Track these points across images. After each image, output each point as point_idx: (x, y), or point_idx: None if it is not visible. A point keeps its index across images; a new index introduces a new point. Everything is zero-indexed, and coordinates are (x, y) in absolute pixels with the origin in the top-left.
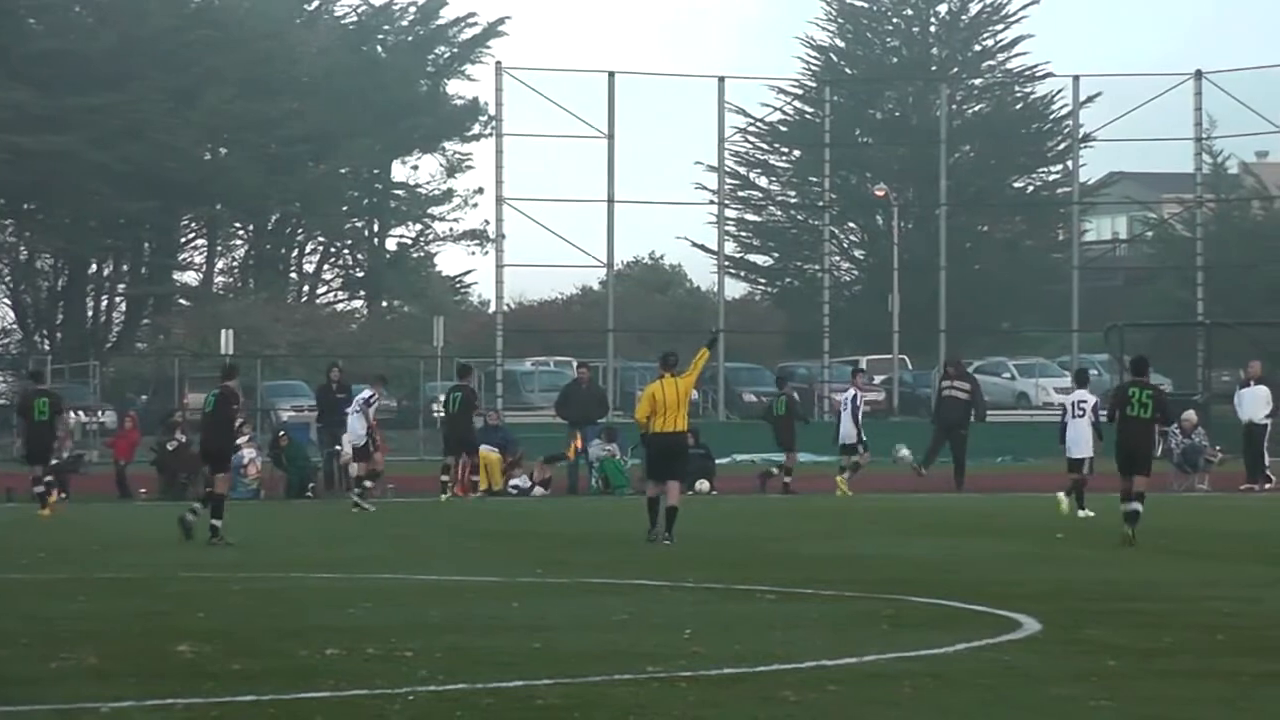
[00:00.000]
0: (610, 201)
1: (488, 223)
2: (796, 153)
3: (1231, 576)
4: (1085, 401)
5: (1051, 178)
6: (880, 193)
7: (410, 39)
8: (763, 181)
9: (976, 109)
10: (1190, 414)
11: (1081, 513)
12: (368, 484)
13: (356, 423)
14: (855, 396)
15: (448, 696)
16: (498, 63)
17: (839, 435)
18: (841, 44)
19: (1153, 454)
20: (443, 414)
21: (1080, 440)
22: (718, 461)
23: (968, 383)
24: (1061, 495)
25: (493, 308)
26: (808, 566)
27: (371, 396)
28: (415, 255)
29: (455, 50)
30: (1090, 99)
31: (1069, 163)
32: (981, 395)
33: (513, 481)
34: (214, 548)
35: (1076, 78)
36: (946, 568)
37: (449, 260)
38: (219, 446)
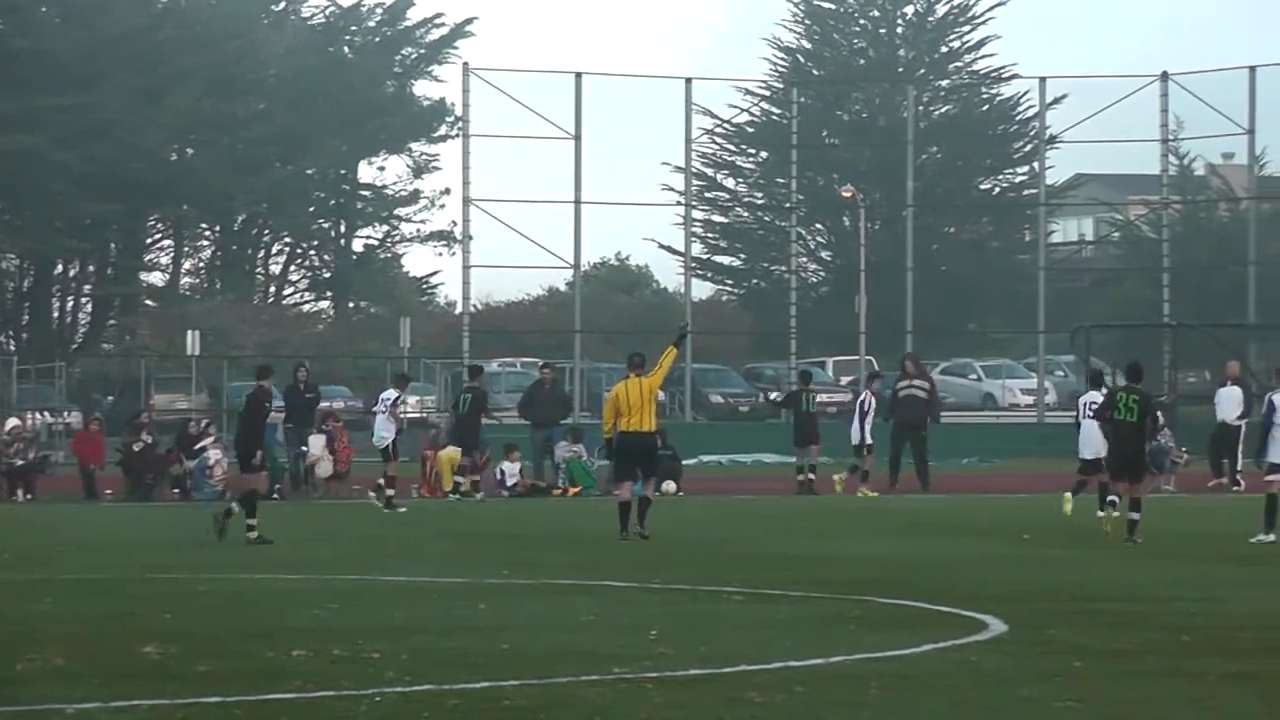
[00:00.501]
0: (577, 203)
1: (455, 223)
2: (763, 154)
3: (1198, 577)
4: (1097, 403)
5: (1018, 179)
6: (847, 194)
7: (377, 40)
8: (729, 183)
9: (943, 110)
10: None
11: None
12: (388, 490)
13: (384, 424)
14: (865, 400)
15: (414, 698)
16: (465, 64)
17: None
18: (808, 45)
19: (1142, 457)
20: (452, 414)
21: (1091, 441)
22: (684, 462)
23: (927, 381)
24: (1068, 495)
25: (459, 308)
26: (775, 567)
27: (398, 397)
28: (382, 256)
29: (422, 51)
30: (1057, 100)
31: (1035, 164)
32: (938, 395)
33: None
34: (239, 545)
35: (1043, 79)
36: (913, 569)
37: (416, 261)
38: (247, 447)
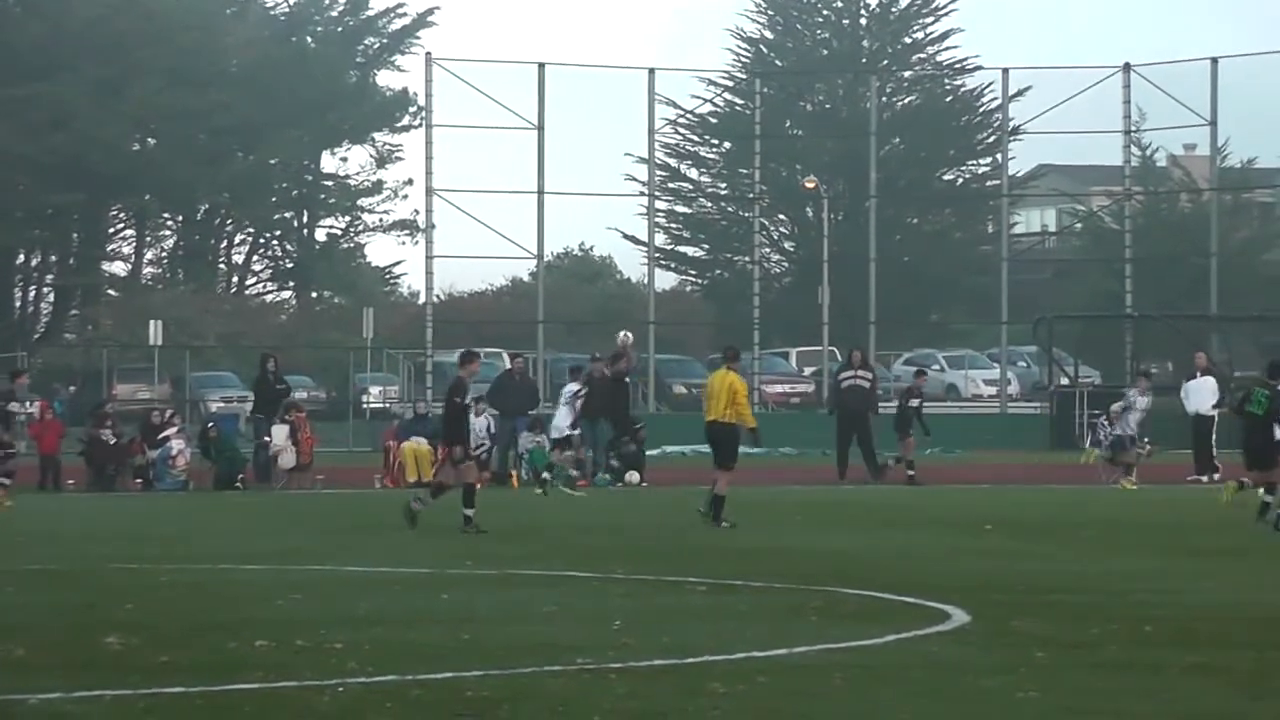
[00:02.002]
0: (540, 193)
1: (417, 214)
2: (727, 144)
3: (1159, 569)
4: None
5: (981, 170)
6: (810, 185)
7: (339, 30)
8: (693, 173)
9: (906, 101)
10: (1118, 406)
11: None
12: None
13: (564, 416)
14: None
15: (377, 688)
16: (427, 54)
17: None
18: (771, 36)
19: (1270, 448)
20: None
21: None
22: (648, 453)
23: (870, 373)
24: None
25: (422, 299)
26: (737, 559)
27: (580, 390)
28: (345, 246)
29: (385, 41)
30: (1020, 92)
31: (998, 155)
32: (878, 387)
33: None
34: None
35: (1006, 70)
36: (876, 560)
37: (379, 251)
38: (453, 439)
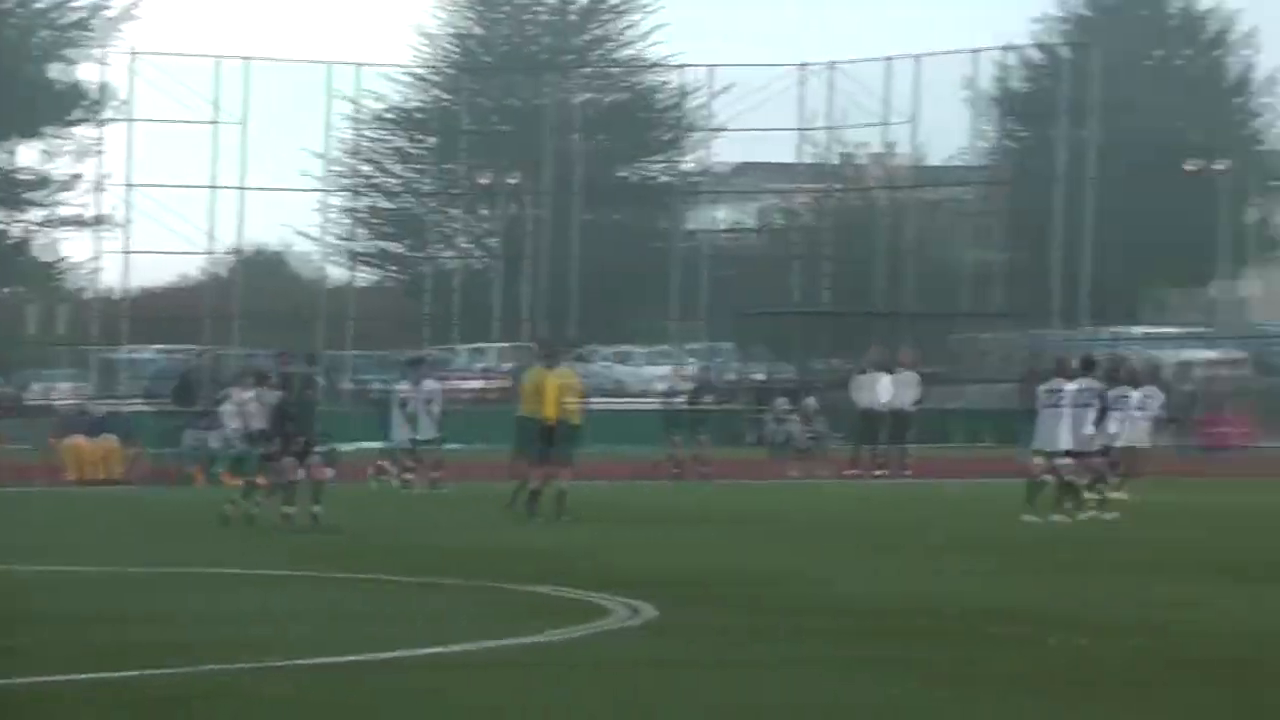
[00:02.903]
0: (215, 188)
1: (109, 209)
2: (421, 139)
3: (824, 559)
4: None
5: (672, 166)
6: (485, 182)
7: (19, 21)
8: (398, 168)
9: (595, 98)
10: (811, 401)
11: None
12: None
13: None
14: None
15: (55, 687)
16: (112, 48)
17: None
18: (453, 30)
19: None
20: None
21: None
22: (343, 449)
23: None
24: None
25: (115, 294)
26: (429, 556)
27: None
28: (39, 242)
29: (69, 34)
30: (708, 89)
31: (687, 152)
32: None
33: None
34: None
35: (685, 66)
36: (567, 555)
37: (70, 247)
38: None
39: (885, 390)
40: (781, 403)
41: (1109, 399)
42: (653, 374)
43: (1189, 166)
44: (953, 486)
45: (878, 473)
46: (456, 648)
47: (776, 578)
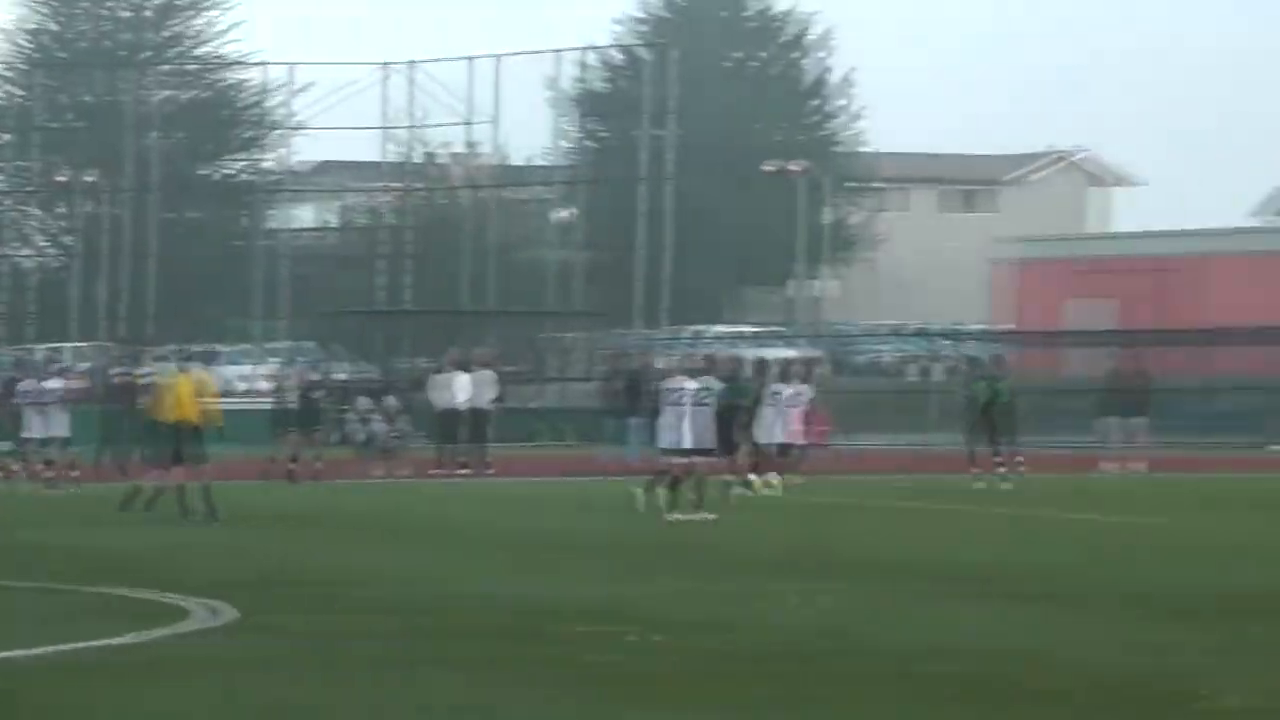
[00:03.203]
0: None
1: None
2: (4, 136)
3: (408, 560)
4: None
5: (254, 164)
6: (62, 179)
7: None
8: None
9: (171, 95)
10: (392, 400)
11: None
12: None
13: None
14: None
15: None
16: None
17: None
18: (36, 26)
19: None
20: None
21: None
22: None
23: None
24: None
25: None
26: (26, 556)
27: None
28: None
29: None
30: (289, 87)
31: (268, 150)
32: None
33: None
34: None
35: (265, 64)
36: (148, 557)
37: None
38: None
39: (463, 389)
40: (364, 402)
41: (765, 395)
42: (235, 373)
43: (767, 167)
44: (537, 484)
45: (461, 472)
46: (30, 652)
47: (360, 578)
